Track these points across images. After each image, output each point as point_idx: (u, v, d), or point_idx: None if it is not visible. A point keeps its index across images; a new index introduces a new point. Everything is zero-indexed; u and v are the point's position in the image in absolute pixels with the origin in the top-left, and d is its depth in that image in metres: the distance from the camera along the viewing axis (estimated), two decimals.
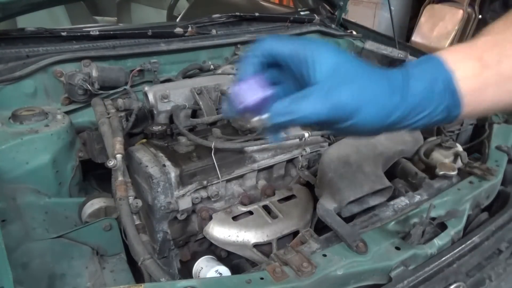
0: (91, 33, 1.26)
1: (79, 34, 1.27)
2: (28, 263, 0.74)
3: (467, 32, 4.10)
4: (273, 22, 1.67)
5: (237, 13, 1.60)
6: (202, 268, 0.86)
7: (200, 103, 1.15)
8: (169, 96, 1.14)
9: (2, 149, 0.90)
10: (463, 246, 0.80)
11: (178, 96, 1.16)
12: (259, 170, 1.02)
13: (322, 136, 1.11)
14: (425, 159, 1.10)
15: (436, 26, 4.20)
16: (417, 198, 0.94)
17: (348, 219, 0.88)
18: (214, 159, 0.93)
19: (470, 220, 0.92)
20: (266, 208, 0.97)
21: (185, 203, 0.91)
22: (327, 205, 0.87)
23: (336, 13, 1.84)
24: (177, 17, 2.28)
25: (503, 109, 0.52)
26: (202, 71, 1.37)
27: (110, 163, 0.88)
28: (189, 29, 1.44)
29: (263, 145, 1.00)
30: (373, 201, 0.93)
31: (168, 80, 1.29)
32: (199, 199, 0.93)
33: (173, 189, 0.90)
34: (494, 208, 1.02)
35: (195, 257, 0.92)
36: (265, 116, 0.47)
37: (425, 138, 1.18)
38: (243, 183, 1.02)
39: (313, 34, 1.68)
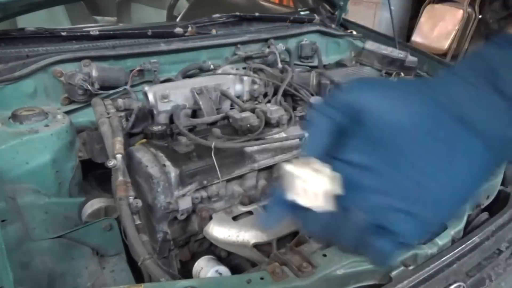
0: (91, 33, 1.26)
1: (79, 34, 1.27)
2: (28, 263, 0.74)
3: (467, 32, 4.11)
4: (273, 22, 1.67)
5: (237, 13, 1.60)
6: (202, 268, 0.85)
7: (200, 103, 1.15)
8: (169, 96, 1.14)
9: (2, 149, 0.90)
10: (463, 246, 0.80)
11: (178, 96, 1.16)
12: (259, 170, 1.02)
13: None
14: None
15: (436, 26, 4.21)
16: None
17: None
18: (214, 159, 0.93)
19: (470, 220, 0.92)
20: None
21: (185, 203, 0.91)
22: None
23: (336, 13, 1.84)
24: (177, 17, 2.27)
25: None
26: (202, 71, 1.37)
27: (110, 163, 0.88)
28: (189, 29, 1.44)
29: (263, 145, 1.00)
30: None
31: (168, 80, 1.29)
32: (199, 199, 0.93)
33: (173, 189, 0.90)
34: (494, 208, 1.02)
35: (195, 257, 0.92)
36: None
37: None
38: (243, 183, 1.02)
39: (313, 34, 1.68)
